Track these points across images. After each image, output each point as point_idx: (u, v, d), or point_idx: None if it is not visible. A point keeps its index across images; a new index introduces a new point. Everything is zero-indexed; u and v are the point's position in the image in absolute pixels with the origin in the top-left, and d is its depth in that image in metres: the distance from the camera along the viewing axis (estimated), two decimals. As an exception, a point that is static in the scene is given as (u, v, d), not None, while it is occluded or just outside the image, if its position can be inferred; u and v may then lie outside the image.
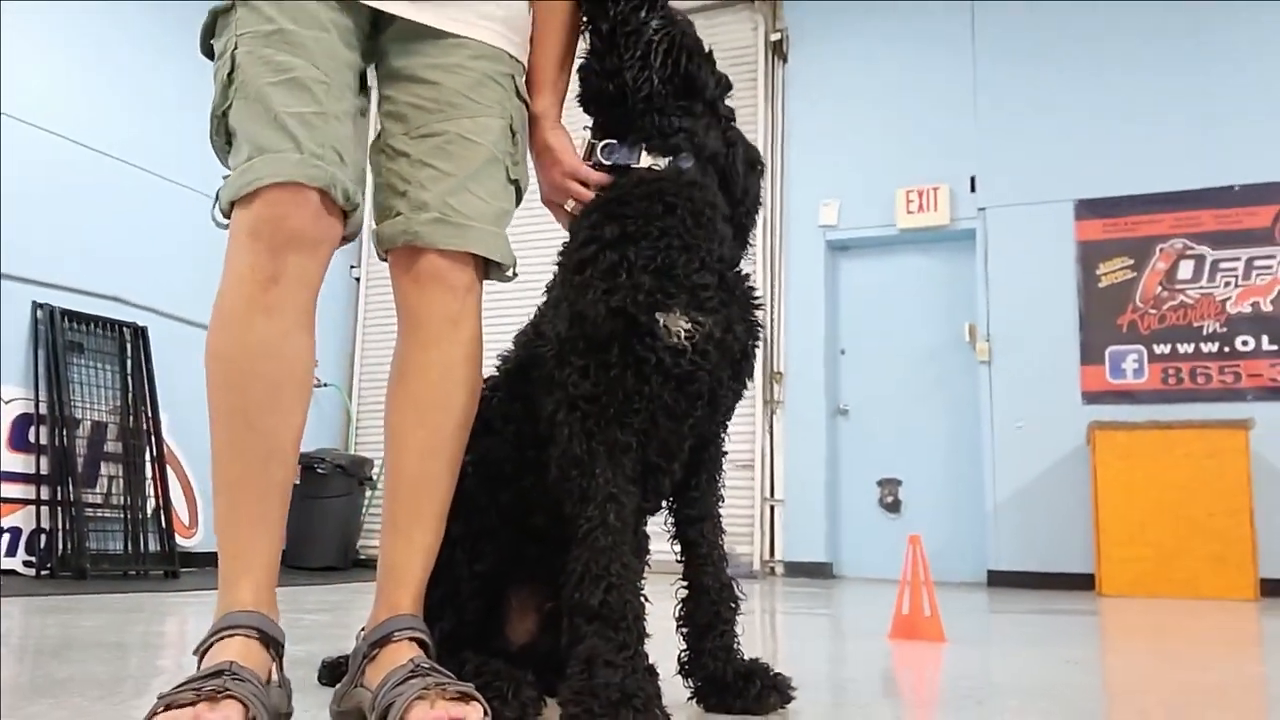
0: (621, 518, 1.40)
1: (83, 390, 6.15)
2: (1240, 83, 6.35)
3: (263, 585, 1.39)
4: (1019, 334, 6.63)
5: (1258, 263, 6.20)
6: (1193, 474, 5.53)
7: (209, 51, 1.58)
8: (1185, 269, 6.33)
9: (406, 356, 1.54)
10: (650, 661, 1.39)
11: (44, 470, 5.88)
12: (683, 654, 1.57)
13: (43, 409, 5.92)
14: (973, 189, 6.88)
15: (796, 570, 6.96)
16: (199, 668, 1.30)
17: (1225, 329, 6.20)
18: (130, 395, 6.43)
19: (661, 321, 1.41)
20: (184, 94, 7.01)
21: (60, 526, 5.79)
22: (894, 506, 7.02)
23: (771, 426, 7.17)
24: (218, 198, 1.46)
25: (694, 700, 1.55)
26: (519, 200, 1.66)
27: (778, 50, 7.47)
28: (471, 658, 1.46)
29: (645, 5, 1.56)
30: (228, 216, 1.45)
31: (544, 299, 1.62)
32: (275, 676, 1.34)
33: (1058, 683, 2.08)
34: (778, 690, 1.54)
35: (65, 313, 6.08)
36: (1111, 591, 5.59)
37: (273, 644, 1.36)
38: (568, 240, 1.57)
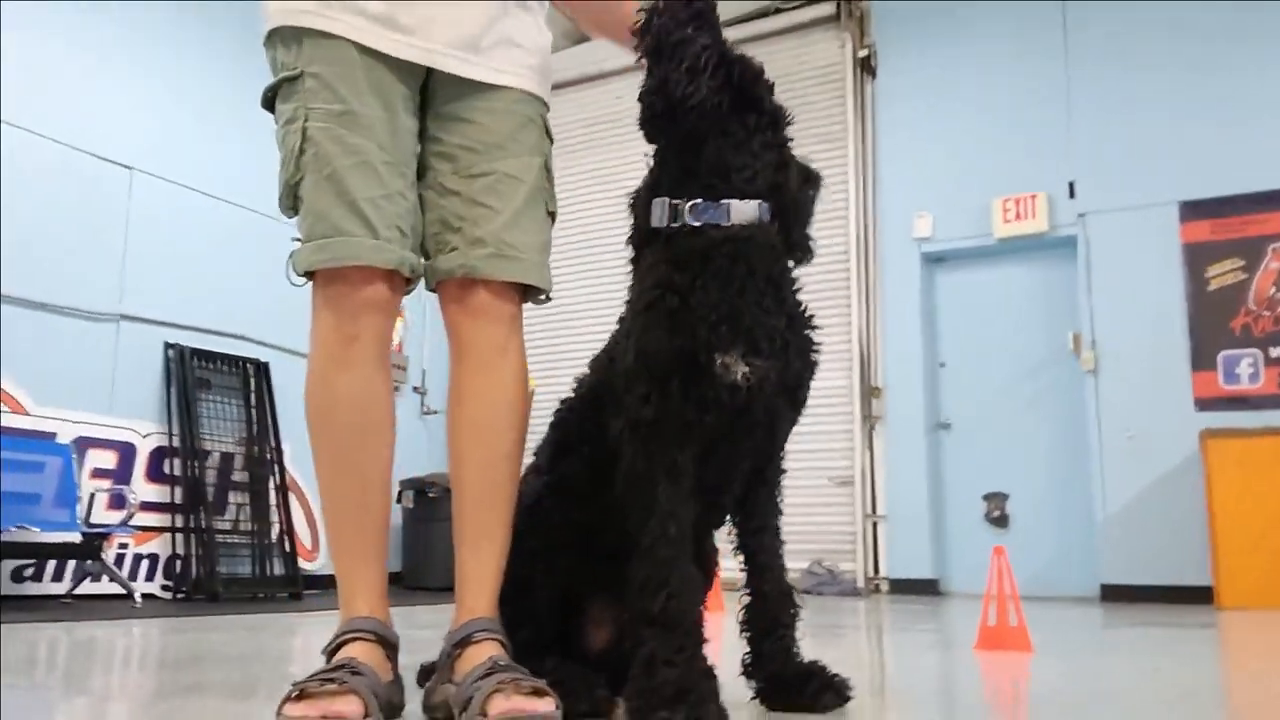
0: (680, 531, 1.50)
1: (211, 424, 6.55)
2: (1354, 72, 6.10)
3: (375, 598, 1.61)
4: (1125, 341, 6.47)
5: (1380, 258, 5.93)
6: (1314, 481, 5.31)
7: (270, 106, 1.72)
8: (1301, 268, 6.10)
9: (462, 382, 1.70)
10: (710, 663, 1.49)
11: (178, 500, 6.29)
12: (745, 656, 1.66)
13: (175, 442, 6.34)
14: (1071, 195, 6.76)
15: (902, 587, 6.90)
16: (330, 660, 1.52)
17: (1347, 329, 5.94)
18: (254, 427, 6.82)
19: (720, 361, 1.49)
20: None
21: (194, 552, 6.18)
22: (1001, 521, 6.90)
23: (871, 442, 7.14)
24: (292, 259, 1.64)
25: (755, 699, 1.63)
26: (552, 226, 1.82)
27: (866, 66, 7.49)
28: (551, 661, 1.58)
29: (690, 20, 1.59)
30: (302, 276, 1.65)
31: (617, 328, 1.73)
32: (391, 674, 1.54)
33: (1130, 690, 2.08)
34: (834, 690, 1.61)
35: (194, 351, 6.50)
36: (1231, 604, 5.40)
37: (388, 645, 1.57)
38: (636, 281, 1.66)
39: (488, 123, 1.71)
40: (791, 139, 1.72)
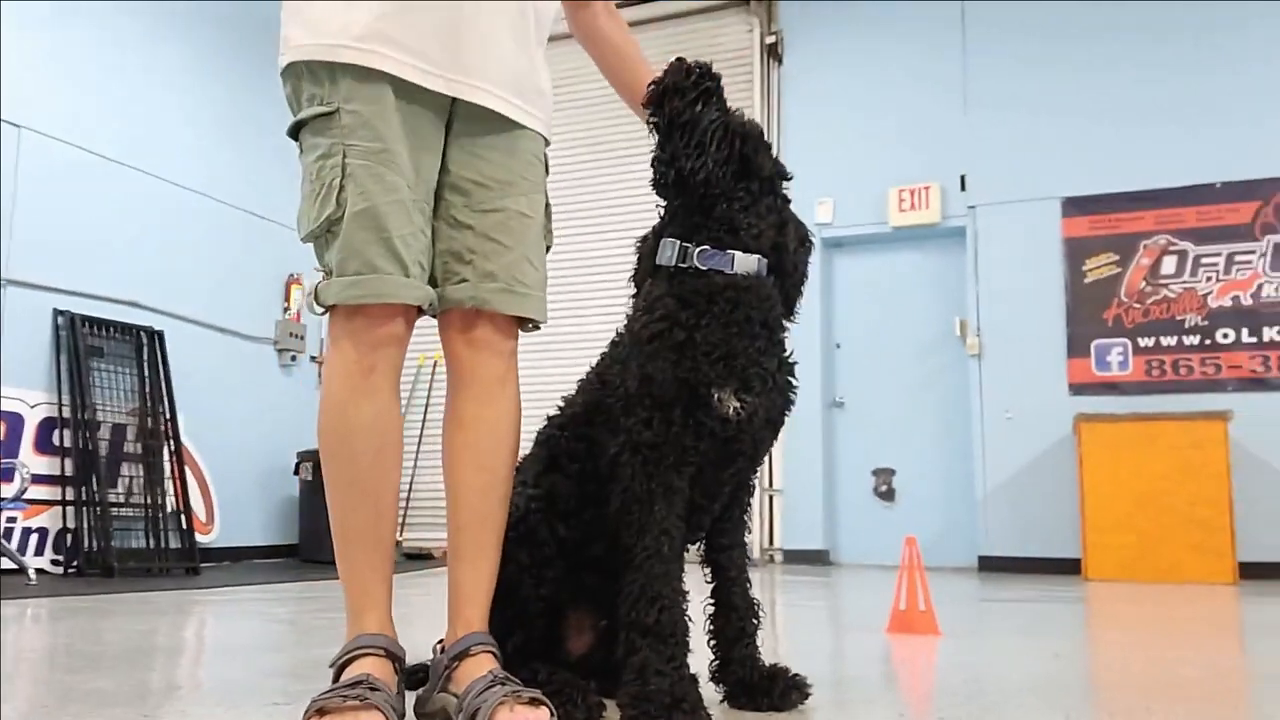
0: (673, 548, 1.63)
1: (102, 393, 6.34)
2: (1222, 83, 6.57)
3: (384, 614, 1.68)
4: (1008, 328, 6.87)
5: (1238, 258, 6.44)
6: (1174, 464, 5.78)
7: (295, 135, 1.74)
8: (1168, 264, 6.57)
9: (463, 410, 1.78)
10: (693, 672, 1.62)
11: (69, 472, 6.09)
12: (712, 663, 1.80)
13: (65, 412, 6.12)
14: (963, 188, 7.10)
15: (795, 558, 7.21)
16: (336, 680, 1.58)
17: (1206, 322, 6.45)
18: (148, 398, 6.63)
19: (717, 395, 1.64)
20: (196, 102, 7.18)
21: (86, 525, 6.01)
22: (888, 495, 7.27)
23: (770, 419, 7.39)
24: (317, 294, 1.68)
25: (724, 702, 1.78)
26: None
27: (773, 52, 7.66)
28: (541, 668, 1.69)
29: (699, 100, 1.72)
30: (325, 309, 1.69)
31: (608, 351, 1.84)
32: (397, 688, 1.62)
33: (1045, 676, 2.31)
34: (798, 689, 1.78)
35: (85, 319, 6.27)
36: (1097, 576, 5.85)
37: (396, 660, 1.64)
38: (639, 311, 1.78)
39: (502, 160, 1.78)
40: (789, 200, 1.85)
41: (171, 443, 6.68)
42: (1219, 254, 6.48)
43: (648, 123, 1.75)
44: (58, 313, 6.16)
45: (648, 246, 1.83)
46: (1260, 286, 6.38)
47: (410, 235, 1.66)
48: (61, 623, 3.33)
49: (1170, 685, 2.21)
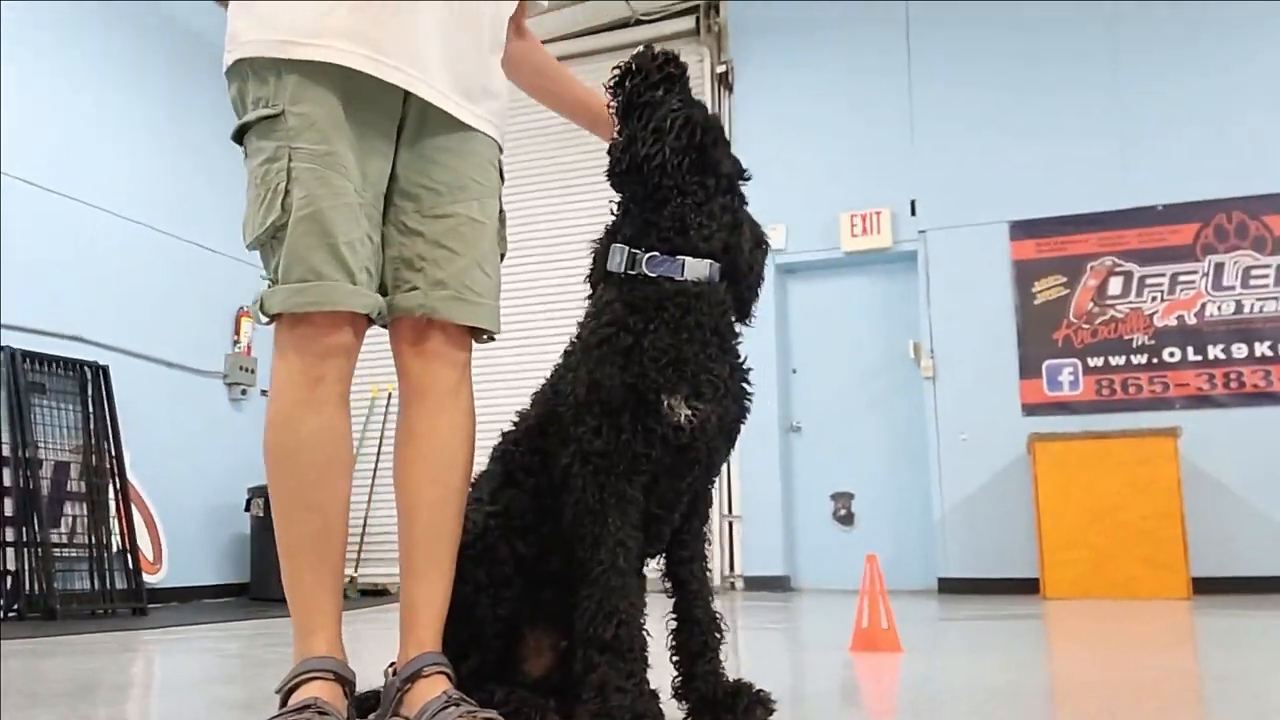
0: (629, 561, 1.60)
1: (45, 430, 6.17)
2: (1161, 107, 6.74)
3: (333, 635, 1.61)
4: (960, 350, 6.94)
5: (1181, 278, 6.58)
6: (1126, 481, 5.86)
7: (240, 139, 1.69)
8: (1115, 285, 6.69)
9: (415, 422, 1.74)
10: (653, 688, 1.58)
11: (8, 512, 5.89)
12: (675, 679, 1.76)
13: (5, 450, 5.94)
14: (913, 213, 7.19)
15: (756, 584, 7.19)
16: (283, 706, 1.52)
17: (1153, 341, 6.57)
18: (93, 434, 6.46)
19: (666, 402, 1.61)
20: (139, 131, 7.07)
21: (26, 567, 5.82)
22: (847, 519, 7.28)
23: (727, 445, 7.39)
24: (262, 302, 1.63)
25: (688, 718, 1.74)
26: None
27: (724, 81, 7.74)
28: (498, 689, 1.64)
29: (661, 84, 1.70)
30: (270, 317, 1.64)
31: (561, 361, 1.80)
32: (346, 713, 1.57)
33: (1006, 687, 2.30)
34: (762, 704, 1.74)
35: (26, 354, 6.10)
36: (1054, 594, 5.89)
37: (346, 684, 1.58)
38: (589, 318, 1.75)
39: (454, 165, 1.75)
40: (746, 201, 1.83)
41: (117, 480, 6.50)
42: (1163, 274, 6.61)
43: (610, 109, 1.73)
44: (-2, 348, 6.00)
45: (602, 248, 1.80)
46: (1204, 306, 6.52)
47: (358, 240, 1.62)
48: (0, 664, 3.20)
49: (1130, 690, 2.21)
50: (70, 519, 6.23)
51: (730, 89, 7.75)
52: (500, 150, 1.88)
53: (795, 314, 7.60)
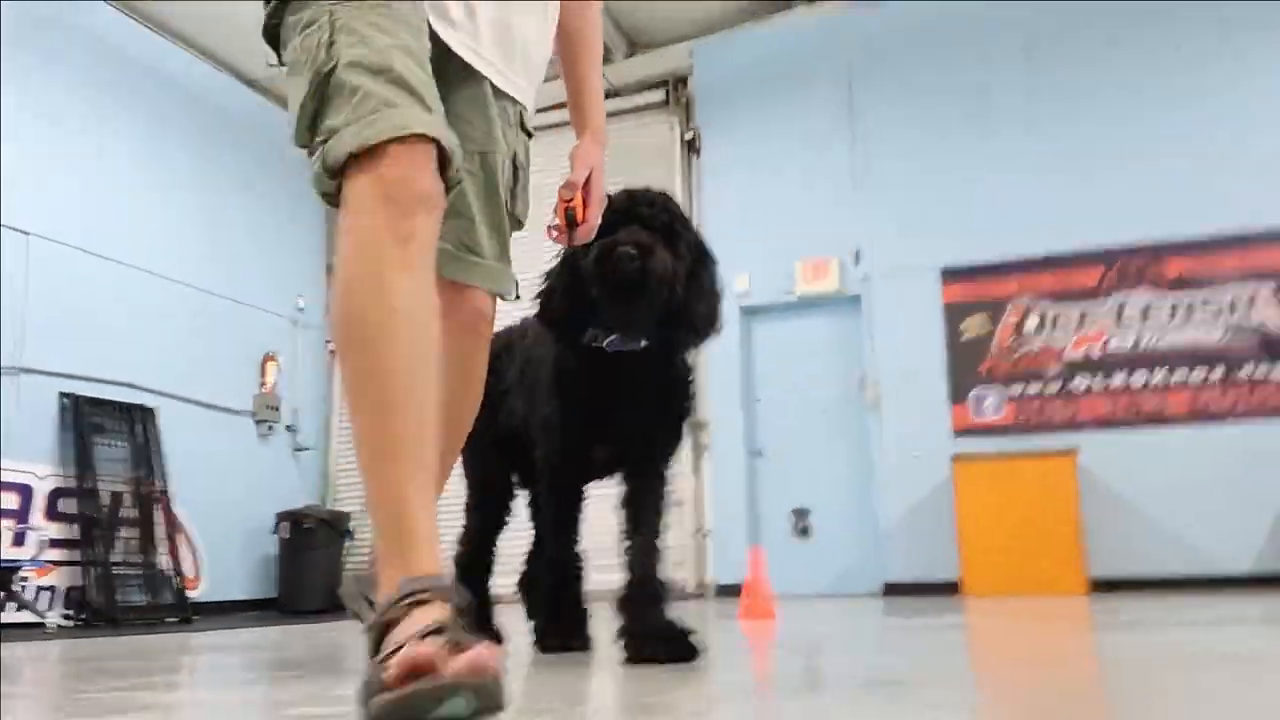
0: (572, 537, 2.66)
1: (103, 465, 7.17)
2: (1070, 165, 7.71)
3: (438, 551, 1.33)
4: (899, 381, 7.89)
5: (1088, 316, 7.53)
6: (1032, 495, 6.78)
7: (271, 35, 1.60)
8: (1031, 323, 7.65)
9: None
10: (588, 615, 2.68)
11: (75, 535, 6.88)
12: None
13: (71, 483, 6.93)
14: (857, 261, 8.17)
15: (725, 591, 8.10)
16: (378, 646, 1.21)
17: (1064, 372, 7.51)
18: (142, 467, 7.45)
19: (593, 451, 2.54)
20: (172, 200, 8.11)
21: (91, 582, 6.79)
22: (805, 532, 8.21)
23: (699, 468, 8.36)
24: (324, 159, 1.39)
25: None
26: (518, 228, 1.90)
27: (691, 146, 8.75)
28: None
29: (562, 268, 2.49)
30: (336, 175, 1.39)
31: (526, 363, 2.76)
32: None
33: (925, 656, 3.23)
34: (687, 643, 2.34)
35: (87, 399, 7.11)
36: (973, 593, 6.81)
37: (463, 613, 1.27)
38: (553, 369, 2.55)
39: (459, 113, 1.71)
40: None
41: (163, 507, 7.49)
42: (1073, 312, 7.56)
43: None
44: (63, 395, 7.00)
45: (563, 296, 2.45)
46: (1107, 340, 7.47)
47: (427, 83, 1.45)
48: (103, 647, 4.16)
49: (1037, 662, 2.52)
50: (124, 541, 7.21)
51: (698, 153, 8.76)
52: (525, 108, 1.87)
53: (758, 350, 8.57)
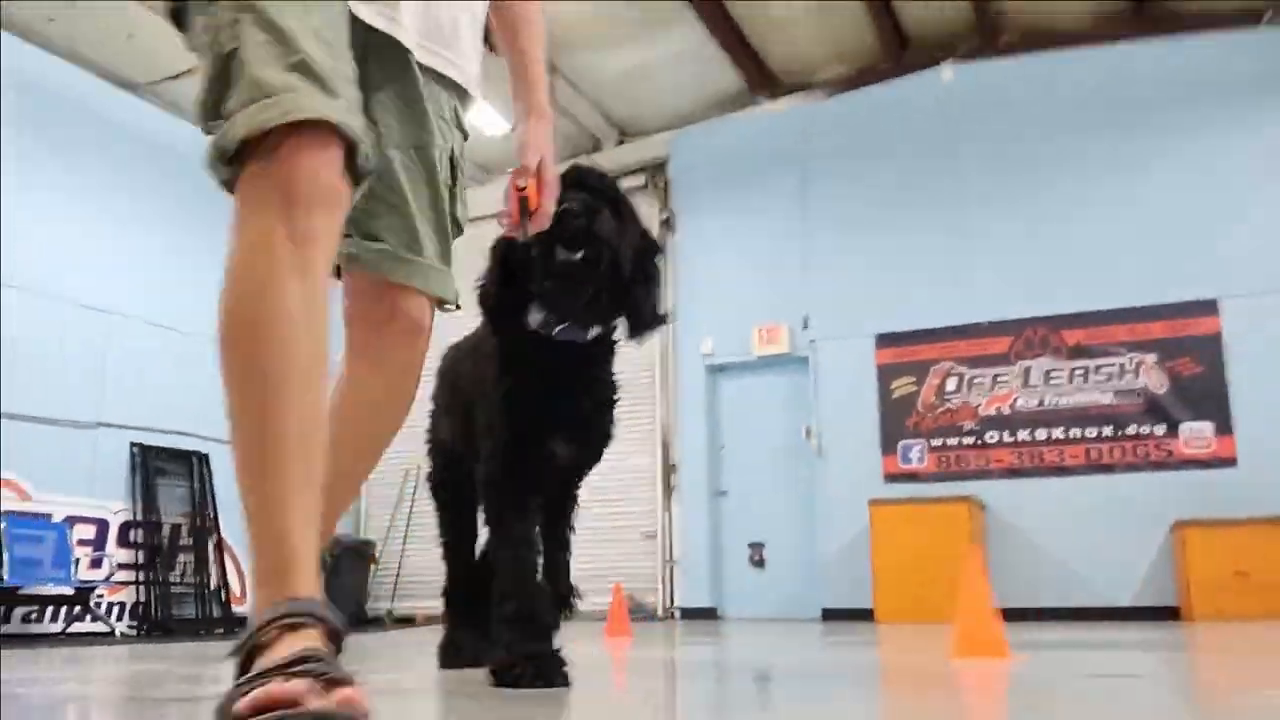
0: (528, 552, 2.35)
1: (164, 502, 8.68)
2: (982, 248, 8.84)
3: (315, 574, 1.24)
4: (840, 432, 9.06)
5: (1000, 378, 8.63)
6: (933, 535, 7.87)
7: (179, 19, 1.50)
8: (951, 384, 8.77)
9: (355, 377, 1.71)
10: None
11: (140, 560, 8.39)
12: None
13: (138, 516, 8.45)
14: (805, 327, 9.36)
15: (690, 614, 9.33)
16: (246, 666, 1.15)
17: (978, 427, 8.62)
18: (197, 503, 8.95)
19: (550, 445, 2.32)
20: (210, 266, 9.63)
21: (153, 599, 8.28)
22: (760, 563, 9.40)
23: (670, 505, 9.60)
24: (216, 146, 1.30)
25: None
26: (458, 234, 1.75)
27: (668, 225, 10.04)
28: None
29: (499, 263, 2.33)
30: (232, 162, 1.30)
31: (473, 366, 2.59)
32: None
33: (832, 665, 4.44)
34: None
35: (150, 448, 8.63)
36: (883, 619, 7.93)
37: (338, 638, 1.22)
38: (502, 364, 2.35)
39: (393, 106, 1.64)
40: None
41: (215, 537, 8.98)
42: (986, 376, 8.67)
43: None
44: (133, 444, 8.53)
45: (499, 279, 2.33)
46: (1015, 400, 8.56)
47: (337, 67, 1.37)
48: (167, 651, 5.55)
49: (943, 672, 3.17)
50: (181, 564, 8.69)
51: (673, 230, 10.05)
52: (465, 100, 1.78)
53: (722, 403, 9.80)
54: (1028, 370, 8.57)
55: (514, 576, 2.27)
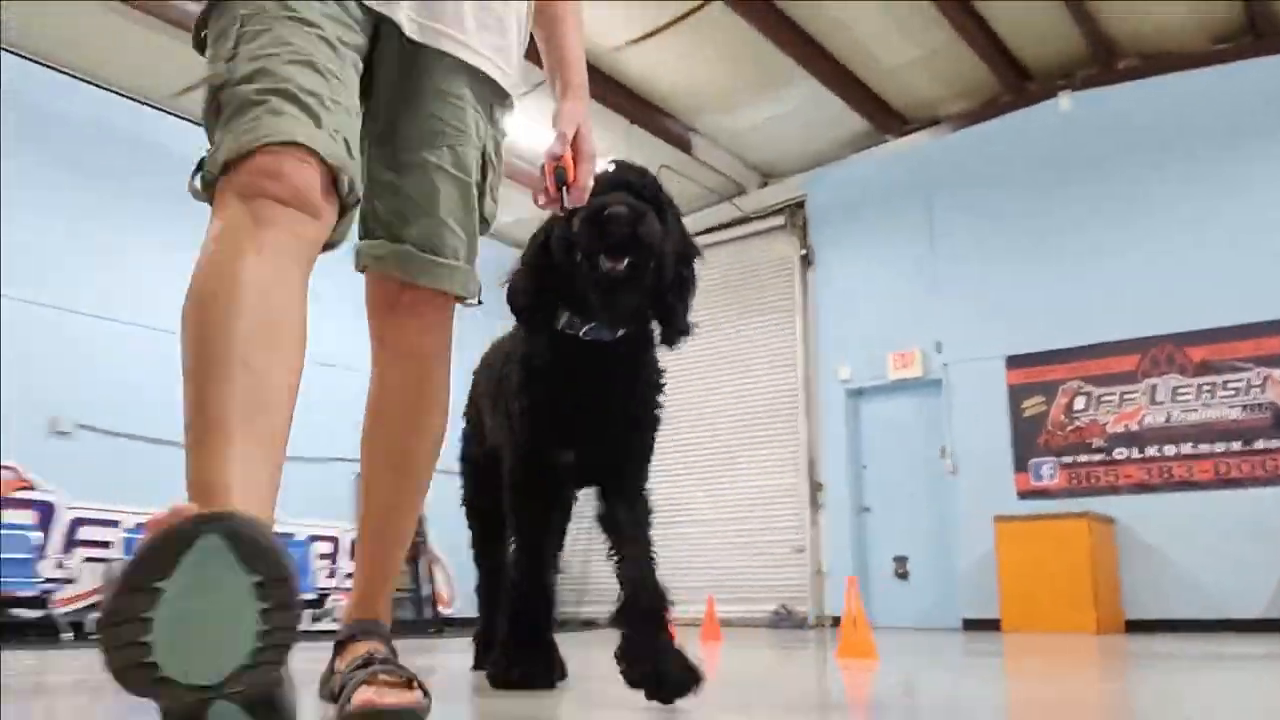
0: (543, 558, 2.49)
1: (383, 521, 10.37)
2: (1109, 268, 9.08)
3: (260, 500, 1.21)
4: (974, 452, 9.55)
5: (1127, 396, 8.86)
6: (1056, 548, 8.26)
7: (201, 45, 1.52)
8: (1079, 402, 9.07)
9: (386, 380, 1.83)
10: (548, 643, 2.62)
11: (365, 570, 10.09)
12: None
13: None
14: (938, 350, 9.90)
15: (839, 622, 10.06)
16: None
17: (1107, 444, 8.89)
18: (409, 521, 10.60)
19: (561, 455, 2.35)
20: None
21: (375, 603, 9.95)
22: (904, 575, 10.01)
23: (817, 521, 10.39)
24: (201, 165, 1.35)
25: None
26: (485, 230, 1.80)
27: (806, 260, 10.83)
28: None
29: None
30: (212, 185, 1.34)
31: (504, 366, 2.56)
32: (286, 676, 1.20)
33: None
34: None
35: (371, 476, 10.35)
36: (1009, 629, 8.38)
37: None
38: (524, 365, 2.36)
39: (428, 105, 1.67)
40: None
41: (425, 548, 10.61)
42: (1114, 394, 8.92)
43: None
44: (356, 475, 10.26)
45: (532, 278, 2.29)
46: (1143, 417, 8.76)
47: (330, 101, 1.39)
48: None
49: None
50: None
51: (811, 265, 10.83)
52: (505, 96, 1.79)
53: (862, 425, 10.48)
54: (1154, 387, 8.76)
55: (521, 579, 2.41)
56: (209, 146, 1.37)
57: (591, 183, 1.92)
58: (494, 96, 1.78)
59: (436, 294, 1.70)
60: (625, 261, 2.07)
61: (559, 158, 1.84)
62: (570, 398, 2.31)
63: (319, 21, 1.43)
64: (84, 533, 8.16)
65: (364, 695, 1.51)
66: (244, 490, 1.18)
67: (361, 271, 1.73)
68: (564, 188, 1.85)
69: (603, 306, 2.17)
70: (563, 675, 2.69)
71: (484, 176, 1.76)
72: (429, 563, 10.60)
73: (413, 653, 4.72)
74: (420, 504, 1.82)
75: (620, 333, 2.28)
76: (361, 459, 1.80)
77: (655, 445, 2.47)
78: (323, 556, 9.83)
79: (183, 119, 8.75)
